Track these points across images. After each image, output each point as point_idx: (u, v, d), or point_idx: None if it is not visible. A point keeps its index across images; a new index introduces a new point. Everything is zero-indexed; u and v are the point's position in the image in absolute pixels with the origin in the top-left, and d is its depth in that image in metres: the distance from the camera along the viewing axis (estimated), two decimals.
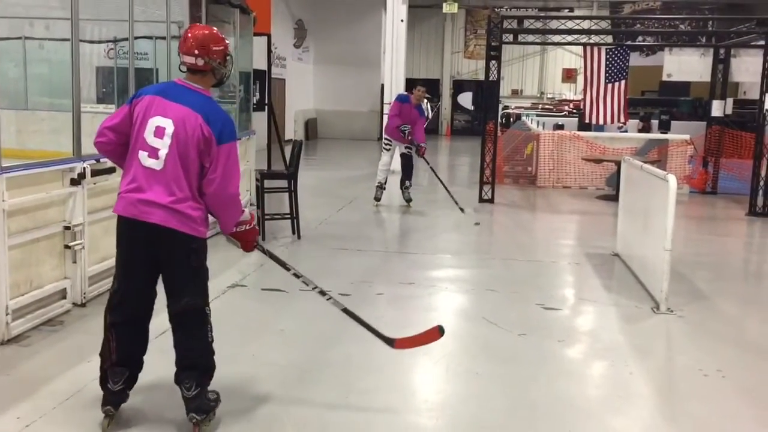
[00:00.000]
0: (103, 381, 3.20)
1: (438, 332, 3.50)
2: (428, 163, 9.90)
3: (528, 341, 4.62)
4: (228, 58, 3.25)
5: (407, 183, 9.62)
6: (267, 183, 7.57)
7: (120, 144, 3.17)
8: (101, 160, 4.82)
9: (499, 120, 13.61)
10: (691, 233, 8.65)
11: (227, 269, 6.17)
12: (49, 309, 4.59)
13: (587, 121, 12.50)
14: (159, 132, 3.01)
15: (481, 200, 10.48)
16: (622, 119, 12.14)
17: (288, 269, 3.51)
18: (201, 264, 3.17)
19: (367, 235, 8.38)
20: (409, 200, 9.64)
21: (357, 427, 3.33)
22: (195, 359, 3.16)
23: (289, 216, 7.52)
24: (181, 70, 3.23)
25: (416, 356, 4.35)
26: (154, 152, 3.01)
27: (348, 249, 7.22)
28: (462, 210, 9.39)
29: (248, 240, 3.37)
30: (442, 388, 3.97)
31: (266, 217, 7.43)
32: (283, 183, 7.55)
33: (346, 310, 3.50)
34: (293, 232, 7.51)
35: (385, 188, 9.69)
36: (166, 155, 3.00)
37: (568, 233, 8.77)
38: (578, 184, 12.48)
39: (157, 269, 3.16)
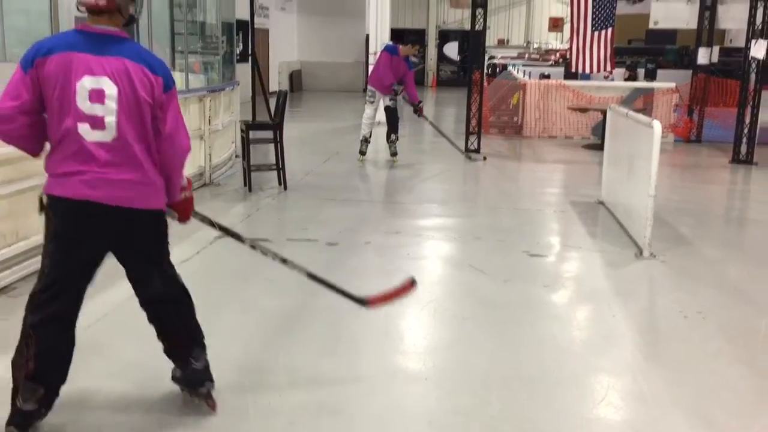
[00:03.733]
0: (13, 394, 2.63)
1: (411, 283, 3.22)
2: (427, 119, 9.93)
3: (513, 287, 4.69)
4: None
5: (393, 137, 9.46)
6: (252, 134, 7.52)
7: (31, 124, 2.51)
8: None
9: (486, 70, 13.50)
10: (675, 180, 8.72)
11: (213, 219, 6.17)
12: (37, 260, 4.58)
13: (574, 69, 12.44)
14: (96, 96, 2.42)
15: (468, 150, 10.48)
16: (609, 68, 12.09)
17: (242, 241, 3.10)
18: (167, 234, 2.78)
19: (354, 185, 8.39)
20: (394, 154, 9.53)
21: (347, 371, 3.39)
22: (191, 335, 2.85)
23: (275, 167, 7.50)
24: (79, 10, 2.60)
25: (403, 303, 4.39)
26: (98, 122, 2.43)
27: (334, 199, 7.23)
28: (469, 157, 9.54)
29: (188, 209, 2.88)
30: (429, 333, 4.04)
31: (252, 168, 7.41)
32: (269, 134, 7.51)
33: (311, 275, 3.12)
34: (279, 183, 7.50)
35: (369, 142, 9.53)
36: (116, 123, 2.45)
37: (554, 182, 8.82)
38: (564, 133, 12.49)
39: (102, 258, 2.66)
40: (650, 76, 15.19)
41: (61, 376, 2.67)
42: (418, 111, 9.50)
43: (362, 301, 3.10)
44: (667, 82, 12.77)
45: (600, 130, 10.44)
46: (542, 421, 2.98)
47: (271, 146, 7.54)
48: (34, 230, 4.57)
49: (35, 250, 4.59)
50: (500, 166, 9.89)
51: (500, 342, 3.80)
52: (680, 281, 4.91)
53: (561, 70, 16.14)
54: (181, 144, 2.67)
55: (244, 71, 10.98)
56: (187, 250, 5.13)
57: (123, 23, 2.61)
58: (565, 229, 6.39)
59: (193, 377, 2.87)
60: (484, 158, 9.96)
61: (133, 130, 2.48)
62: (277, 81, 20.72)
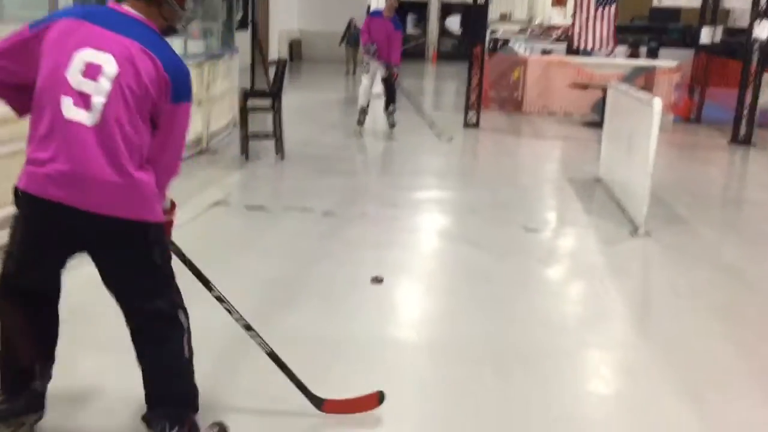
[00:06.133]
0: (25, 380, 2.37)
1: (377, 399, 2.73)
2: (399, 89, 9.37)
3: (508, 261, 4.70)
4: None
5: (391, 107, 9.43)
6: (250, 102, 7.47)
7: (11, 85, 2.21)
8: None
9: (487, 45, 13.39)
10: (673, 160, 8.71)
11: (209, 187, 6.18)
12: None
13: (576, 45, 12.36)
14: (91, 71, 2.06)
15: (466, 125, 10.43)
16: (611, 45, 12.02)
17: (210, 288, 2.64)
18: (166, 258, 2.32)
19: (351, 156, 8.37)
20: (393, 125, 9.50)
21: (339, 342, 3.40)
22: (165, 388, 2.34)
23: (272, 136, 7.46)
24: None
25: (398, 275, 4.42)
26: (83, 99, 2.05)
27: (332, 170, 7.21)
28: (439, 137, 9.23)
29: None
30: (423, 306, 4.06)
31: (250, 136, 7.37)
32: (267, 102, 7.46)
33: (272, 354, 2.74)
34: (277, 152, 7.47)
35: (367, 112, 9.47)
36: (105, 106, 2.05)
37: (552, 158, 8.82)
38: (564, 110, 12.42)
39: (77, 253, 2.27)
40: (652, 54, 15.11)
41: (36, 358, 2.38)
42: (392, 75, 9.10)
43: (317, 402, 2.70)
44: (669, 61, 12.69)
45: (600, 107, 10.38)
46: (534, 394, 3.00)
47: (269, 115, 7.49)
48: None
49: None
50: (498, 141, 9.87)
51: (494, 316, 3.82)
52: (675, 260, 4.93)
53: (563, 46, 16.04)
54: (174, 165, 2.29)
55: (243, 39, 10.88)
56: (182, 215, 5.11)
57: (162, 26, 2.25)
58: (562, 206, 6.40)
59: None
60: (451, 138, 9.31)
61: (124, 120, 2.08)
62: (276, 50, 20.55)
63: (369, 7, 14.31)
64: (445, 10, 27.10)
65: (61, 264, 2.30)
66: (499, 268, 4.58)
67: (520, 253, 4.86)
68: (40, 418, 2.47)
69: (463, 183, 7.13)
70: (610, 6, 11.61)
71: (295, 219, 5.42)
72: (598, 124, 9.84)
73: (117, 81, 2.07)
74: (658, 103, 5.12)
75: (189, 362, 2.36)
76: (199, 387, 2.44)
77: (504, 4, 26.50)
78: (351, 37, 18.85)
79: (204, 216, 5.29)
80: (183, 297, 2.36)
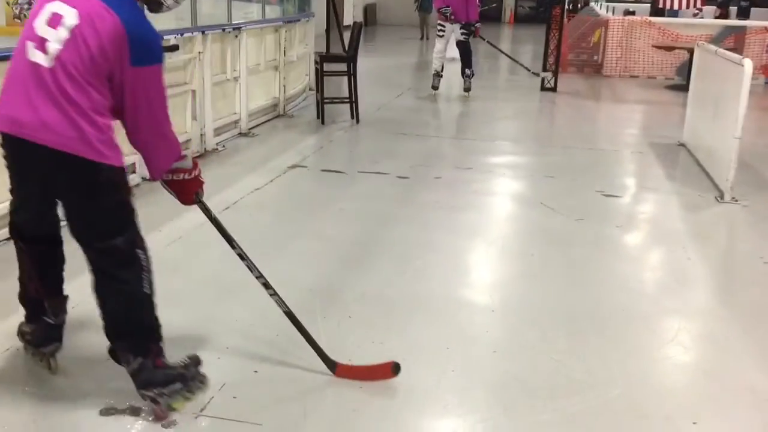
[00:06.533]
0: (36, 312, 2.58)
1: (391, 370, 2.67)
2: (484, 39, 9.74)
3: (585, 226, 4.61)
4: None
5: (467, 71, 9.35)
6: (326, 66, 7.51)
7: None
8: None
9: (566, 6, 13.01)
10: (763, 124, 8.30)
11: (287, 150, 6.28)
12: None
13: (661, 6, 11.87)
14: (53, 20, 2.19)
15: (543, 89, 10.21)
16: (698, 4, 11.49)
17: (233, 246, 2.67)
18: (123, 200, 2.35)
19: (426, 121, 8.34)
20: (468, 89, 9.42)
21: (414, 301, 3.42)
22: (120, 323, 2.38)
23: (348, 100, 7.50)
24: None
25: (472, 238, 4.42)
26: (42, 44, 2.19)
27: (406, 134, 7.21)
28: (536, 74, 9.34)
29: (185, 192, 2.54)
30: (498, 268, 4.04)
31: (325, 100, 7.43)
32: (343, 66, 7.49)
33: (289, 314, 2.73)
34: (352, 116, 7.51)
35: (442, 76, 9.43)
36: (59, 52, 2.16)
37: (633, 123, 8.54)
38: (647, 73, 12.00)
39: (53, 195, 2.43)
40: (743, 14, 14.35)
41: (42, 293, 2.55)
42: (474, 32, 9.19)
43: (331, 365, 2.70)
44: (762, 21, 12.04)
45: (685, 70, 9.98)
46: (609, 358, 2.95)
47: (345, 79, 7.53)
48: None
49: None
50: (577, 105, 9.62)
51: (570, 280, 3.77)
52: (762, 227, 4.73)
53: (647, 6, 15.43)
54: (153, 122, 2.33)
55: (319, 3, 10.90)
56: (260, 178, 5.24)
57: None
58: (643, 171, 6.21)
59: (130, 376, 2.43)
60: (537, 74, 10.30)
61: (74, 68, 2.16)
62: (351, 14, 20.53)
63: None
64: None
65: (45, 204, 2.44)
66: (575, 232, 4.50)
67: (597, 219, 4.76)
68: (57, 349, 2.62)
69: (539, 147, 7.01)
70: None
71: (370, 182, 5.46)
72: (682, 88, 9.48)
73: (73, 32, 2.17)
74: (748, 65, 4.90)
75: (149, 297, 2.38)
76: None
77: None
78: (423, 1, 18.74)
79: (281, 179, 5.39)
80: (143, 238, 2.37)
